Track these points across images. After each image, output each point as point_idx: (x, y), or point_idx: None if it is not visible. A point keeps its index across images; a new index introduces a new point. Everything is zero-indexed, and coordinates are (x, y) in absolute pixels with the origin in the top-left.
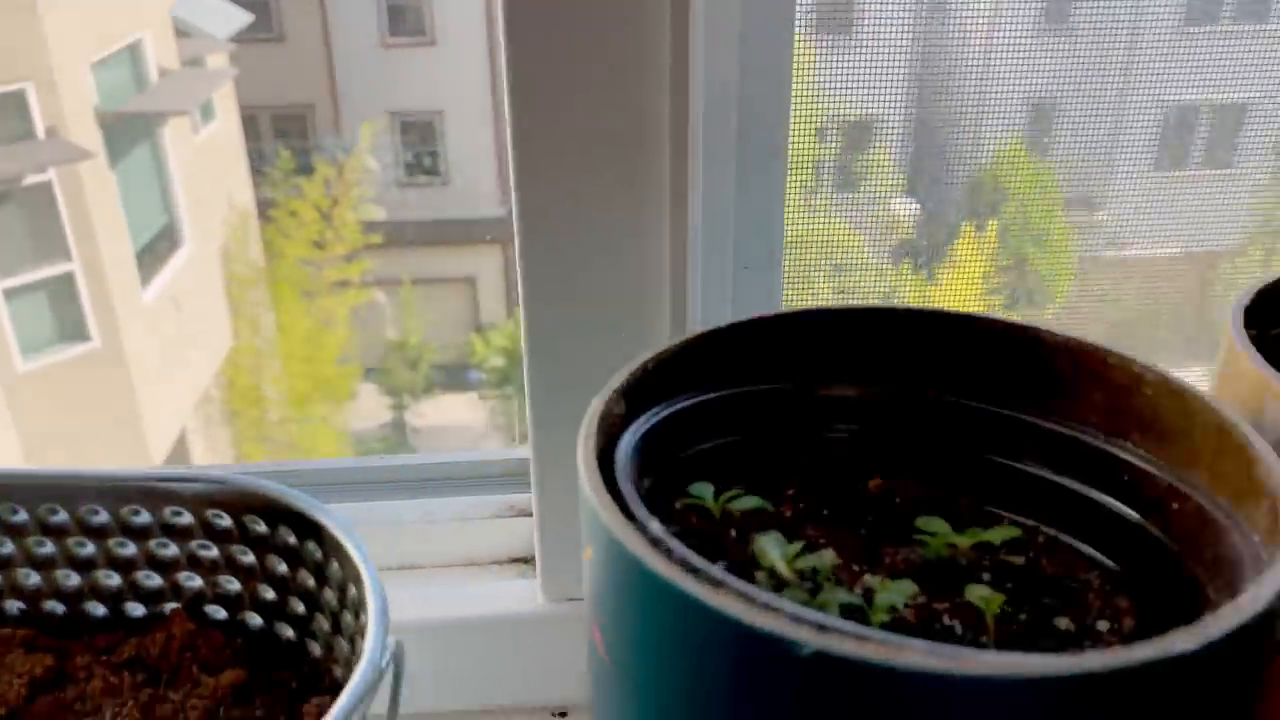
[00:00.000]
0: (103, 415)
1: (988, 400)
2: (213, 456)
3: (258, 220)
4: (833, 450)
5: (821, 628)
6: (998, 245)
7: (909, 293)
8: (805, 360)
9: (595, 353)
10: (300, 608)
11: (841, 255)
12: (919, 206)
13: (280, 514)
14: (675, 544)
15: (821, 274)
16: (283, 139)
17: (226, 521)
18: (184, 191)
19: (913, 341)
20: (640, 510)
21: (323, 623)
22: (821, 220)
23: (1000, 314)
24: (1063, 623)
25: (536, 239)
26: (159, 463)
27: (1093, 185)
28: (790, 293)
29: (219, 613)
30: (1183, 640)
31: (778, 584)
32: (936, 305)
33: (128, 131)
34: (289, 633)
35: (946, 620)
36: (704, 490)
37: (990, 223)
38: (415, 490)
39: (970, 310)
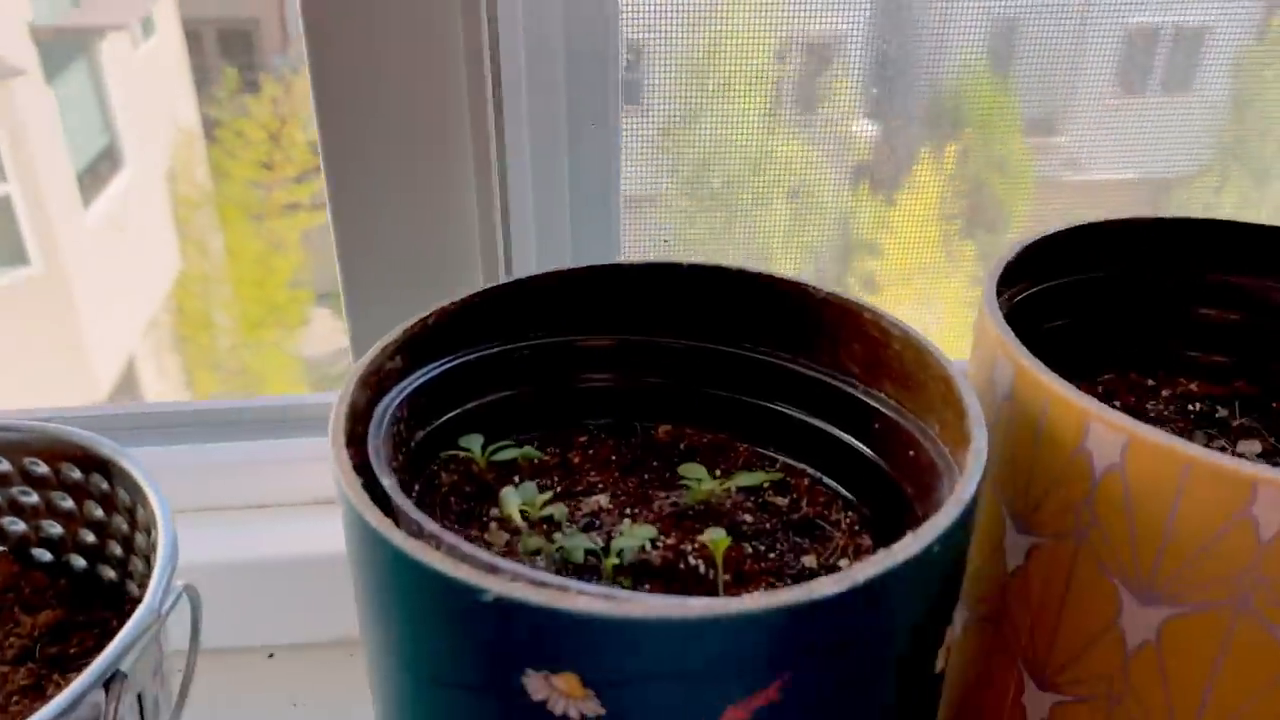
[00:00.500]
0: (45, 342)
1: (765, 350)
2: (164, 384)
3: (204, 141)
4: (623, 399)
5: (514, 576)
6: (956, 169)
7: (867, 216)
8: (584, 314)
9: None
10: (118, 550)
11: (799, 178)
12: (878, 129)
13: (91, 460)
14: (400, 497)
15: (780, 197)
16: (228, 56)
17: (44, 469)
18: (125, 110)
19: (697, 295)
20: (379, 465)
21: (137, 564)
22: (780, 143)
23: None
24: (809, 560)
25: (347, 192)
26: (107, 391)
27: (1053, 108)
28: (748, 219)
29: (45, 555)
30: (826, 585)
31: (521, 531)
32: (716, 261)
33: (64, 48)
34: (110, 574)
35: (692, 560)
36: (472, 442)
37: (949, 146)
38: (251, 432)
39: (745, 266)
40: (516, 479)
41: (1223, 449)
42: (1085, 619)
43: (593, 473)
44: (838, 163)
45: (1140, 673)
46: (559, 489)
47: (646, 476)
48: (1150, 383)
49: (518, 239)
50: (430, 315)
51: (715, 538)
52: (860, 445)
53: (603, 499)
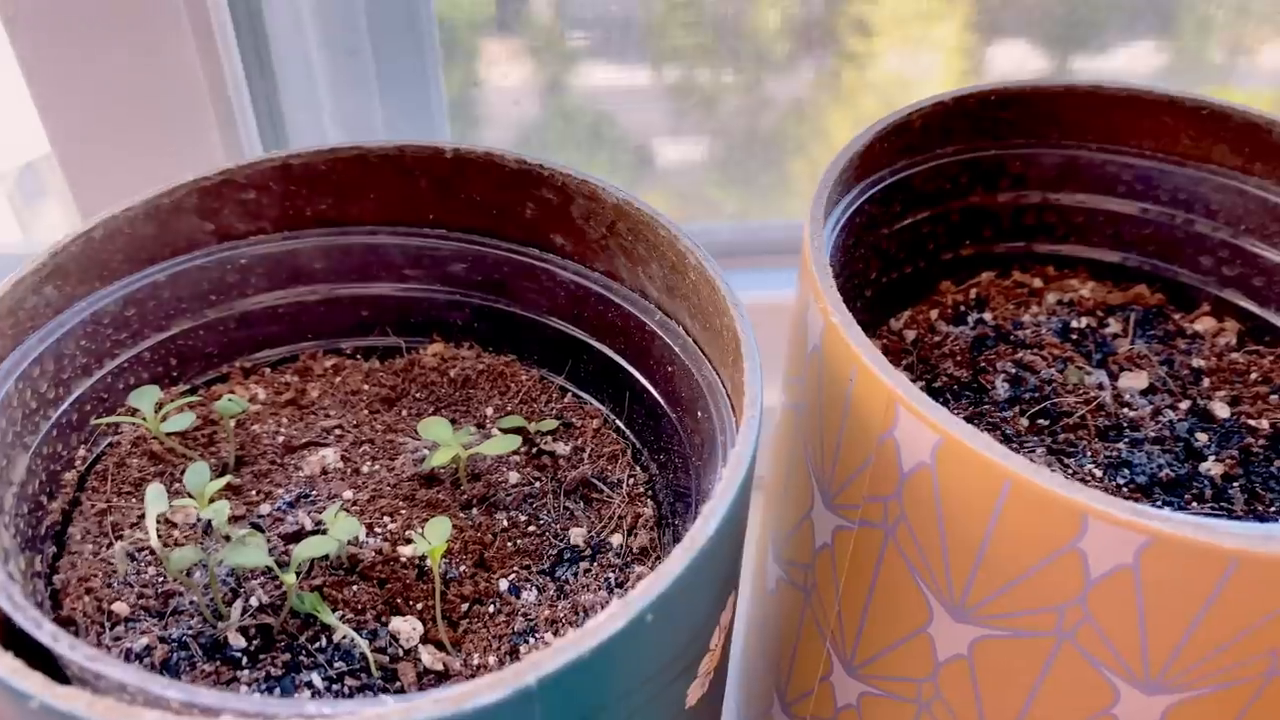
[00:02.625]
0: None
1: (558, 261)
2: None
3: None
4: (388, 310)
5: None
6: None
7: None
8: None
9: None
10: None
11: None
12: None
13: None
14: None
15: None
16: None
17: None
18: None
19: (477, 188)
20: None
21: None
22: None
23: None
24: (578, 534)
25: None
26: None
27: None
28: None
29: None
30: (485, 694)
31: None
32: (488, 148)
33: None
34: None
35: (415, 552)
36: (143, 399)
37: None
38: None
39: (524, 157)
40: (213, 440)
41: (1100, 387)
42: (892, 620)
43: (331, 411)
44: None
45: (952, 683)
46: (276, 445)
47: (404, 414)
48: (1037, 283)
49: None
50: (96, 226)
51: (434, 534)
52: (653, 390)
53: (330, 454)
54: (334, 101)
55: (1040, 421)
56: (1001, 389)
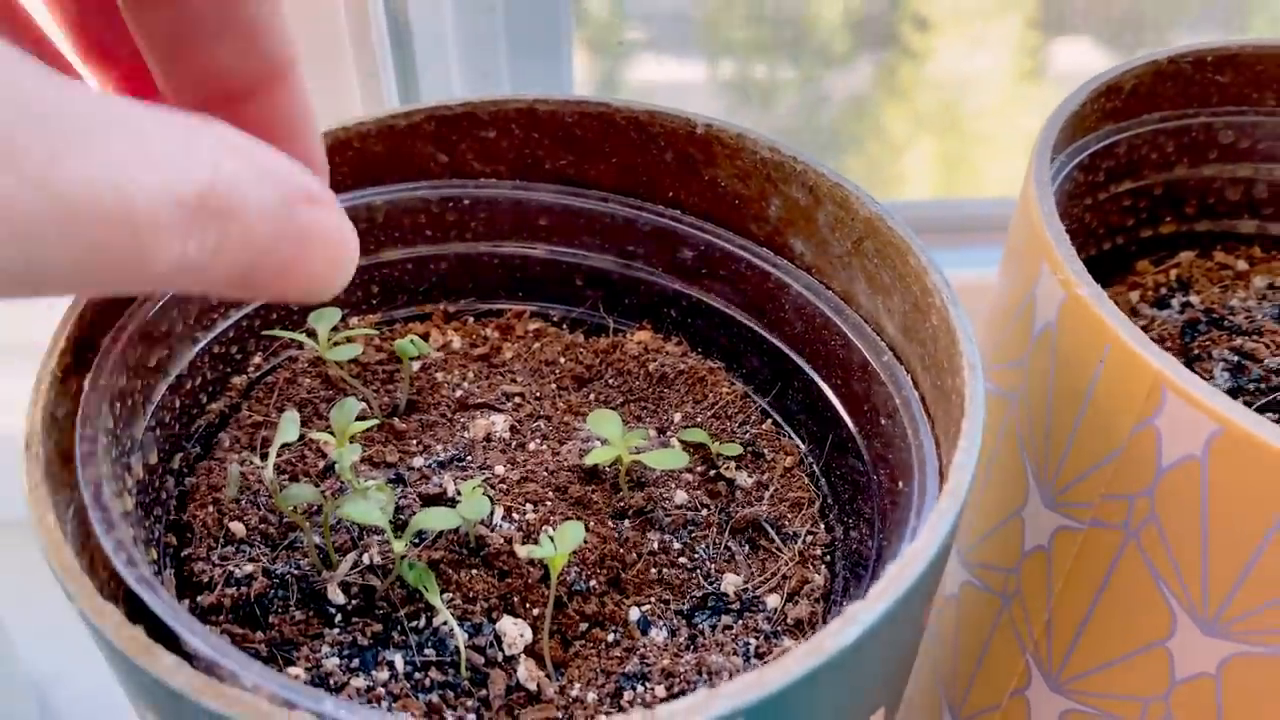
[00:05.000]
0: None
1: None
2: None
3: None
4: (607, 283)
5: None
6: None
7: None
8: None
9: None
10: None
11: None
12: None
13: None
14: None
15: None
16: None
17: None
18: None
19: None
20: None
21: None
22: None
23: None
24: (730, 582)
25: None
26: None
27: None
28: None
29: None
30: None
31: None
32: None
33: None
34: None
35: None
36: (321, 320)
37: None
38: None
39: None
40: (393, 379)
41: None
42: (1120, 631)
43: (519, 377)
44: None
45: (1189, 705)
46: (452, 399)
47: (591, 398)
48: (1242, 265)
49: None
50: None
51: (564, 540)
52: (860, 440)
53: (501, 422)
54: (463, 60)
55: (1269, 415)
56: (1221, 379)
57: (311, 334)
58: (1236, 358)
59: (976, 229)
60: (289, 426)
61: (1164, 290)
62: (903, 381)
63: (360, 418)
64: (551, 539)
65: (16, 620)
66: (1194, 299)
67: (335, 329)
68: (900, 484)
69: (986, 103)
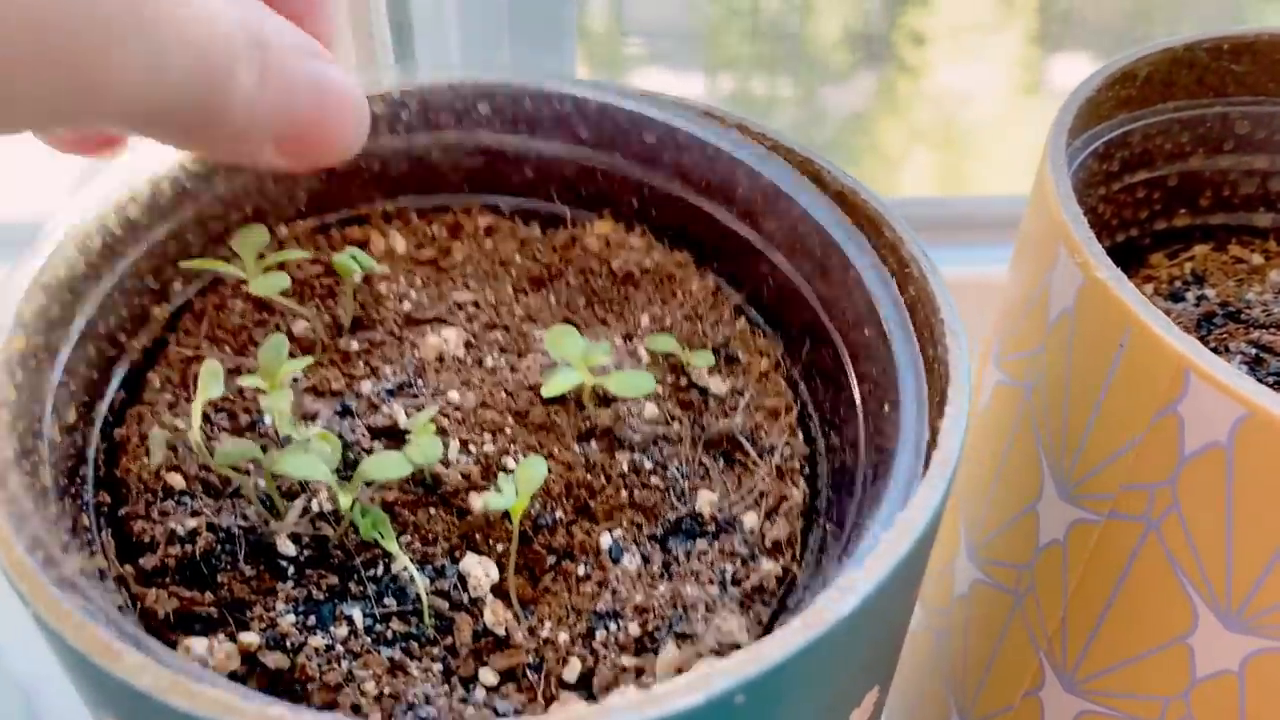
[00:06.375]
0: None
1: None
2: None
3: None
4: (551, 175)
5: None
6: None
7: None
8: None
9: None
10: None
11: None
12: None
13: None
14: None
15: None
16: None
17: None
18: None
19: None
20: None
21: None
22: None
23: None
24: (704, 499)
25: None
26: None
27: None
28: None
29: None
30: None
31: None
32: None
33: None
34: None
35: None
36: (244, 243)
37: None
38: None
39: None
40: (334, 293)
41: None
42: (1139, 627)
43: (471, 282)
44: None
45: (1210, 703)
46: (400, 313)
47: (551, 301)
48: (1257, 260)
49: None
50: None
51: (526, 481)
52: (840, 342)
53: (454, 337)
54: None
55: None
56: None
57: (233, 258)
58: (1255, 351)
59: (980, 227)
60: (211, 381)
61: (1178, 283)
62: (886, 279)
63: (300, 340)
64: (512, 481)
65: (1, 621)
66: (1209, 292)
67: (262, 255)
68: (886, 409)
69: (984, 117)
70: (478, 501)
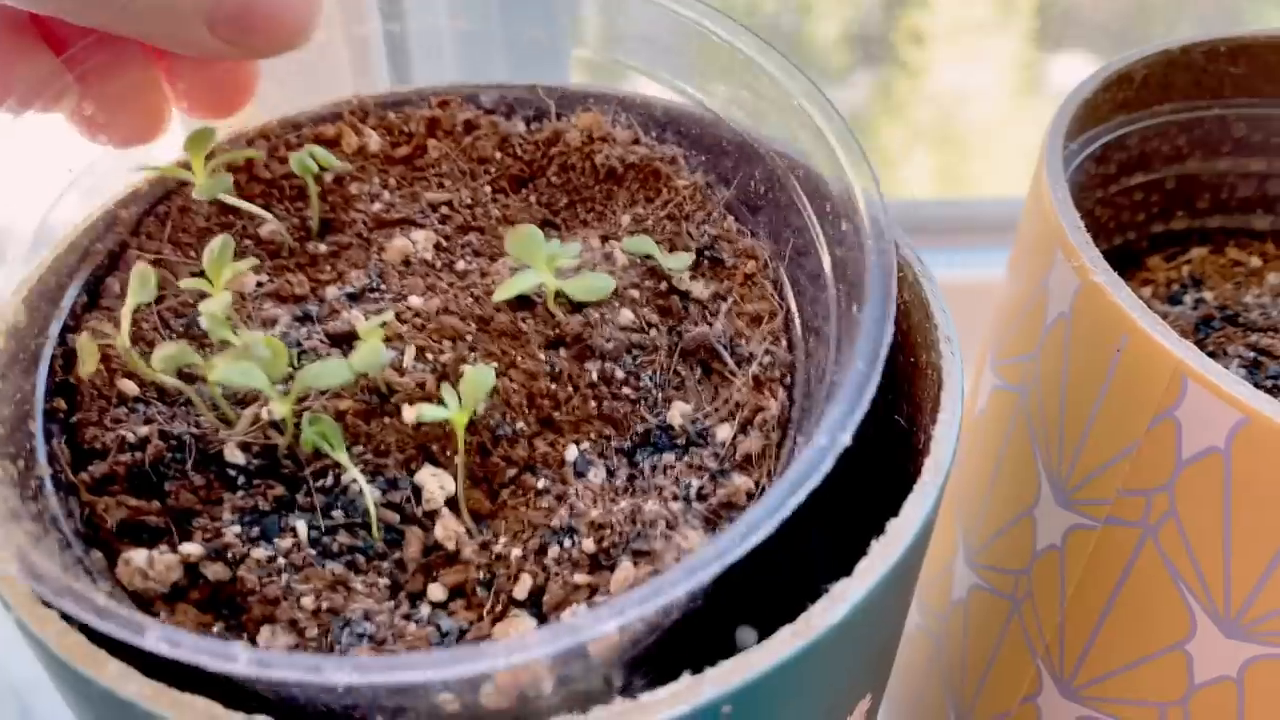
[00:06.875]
0: None
1: None
2: None
3: None
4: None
5: None
6: None
7: None
8: None
9: None
10: None
11: None
12: None
13: None
14: None
15: None
16: None
17: None
18: None
19: None
20: None
21: None
22: None
23: None
24: (677, 412)
25: None
26: None
27: None
28: None
29: None
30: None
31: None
32: None
33: None
34: None
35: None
36: (197, 145)
37: None
38: None
39: None
40: (303, 194)
41: None
42: (1136, 634)
43: (446, 181)
44: None
45: (1209, 710)
46: (369, 215)
47: (531, 201)
48: (1255, 262)
49: None
50: None
51: (470, 389)
52: (822, 243)
53: (422, 240)
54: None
55: None
56: (1238, 375)
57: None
58: (1253, 354)
59: (977, 230)
60: (140, 286)
61: (1176, 286)
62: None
63: (266, 244)
64: (456, 390)
65: None
66: (1207, 295)
67: (213, 154)
68: (854, 308)
69: (983, 117)
70: (410, 413)
